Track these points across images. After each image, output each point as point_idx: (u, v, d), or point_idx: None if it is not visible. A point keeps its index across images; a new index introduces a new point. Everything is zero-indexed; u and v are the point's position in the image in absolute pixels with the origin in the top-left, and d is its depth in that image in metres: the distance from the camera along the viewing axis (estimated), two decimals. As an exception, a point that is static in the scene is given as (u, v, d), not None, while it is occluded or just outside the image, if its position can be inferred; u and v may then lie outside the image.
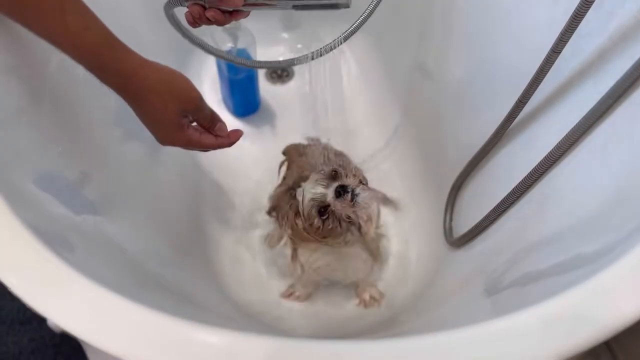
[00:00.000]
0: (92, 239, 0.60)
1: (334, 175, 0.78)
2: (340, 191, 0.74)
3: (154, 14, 1.16)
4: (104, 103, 0.80)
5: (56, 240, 0.48)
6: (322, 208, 0.75)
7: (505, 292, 0.57)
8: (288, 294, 1.00)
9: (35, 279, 0.44)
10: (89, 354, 1.20)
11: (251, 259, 1.04)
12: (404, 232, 1.08)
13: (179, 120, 0.62)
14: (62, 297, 0.43)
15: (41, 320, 1.27)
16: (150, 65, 0.59)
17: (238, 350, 0.39)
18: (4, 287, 1.27)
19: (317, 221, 0.76)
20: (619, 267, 0.40)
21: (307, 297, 1.00)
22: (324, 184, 0.76)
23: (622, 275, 0.39)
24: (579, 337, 0.37)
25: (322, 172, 0.79)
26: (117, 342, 0.40)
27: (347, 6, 0.70)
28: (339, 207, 0.75)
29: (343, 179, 0.77)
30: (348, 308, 0.99)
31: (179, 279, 0.76)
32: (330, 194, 0.75)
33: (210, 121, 0.67)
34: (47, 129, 0.64)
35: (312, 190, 0.76)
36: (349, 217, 0.76)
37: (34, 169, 0.58)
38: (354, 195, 0.74)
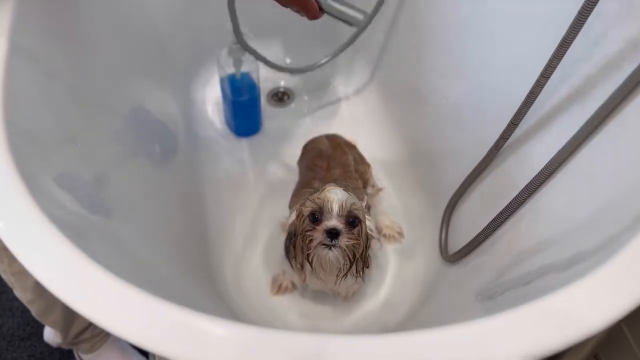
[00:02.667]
0: (104, 237, 0.62)
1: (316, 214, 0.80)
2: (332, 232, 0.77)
3: (163, 38, 1.21)
4: (113, 120, 0.83)
5: (71, 229, 0.50)
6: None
7: (498, 298, 0.59)
8: (276, 289, 1.02)
9: (50, 261, 0.46)
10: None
11: (253, 273, 1.06)
12: (401, 249, 1.09)
13: None
14: (74, 280, 0.45)
15: (40, 337, 1.27)
16: None
17: (257, 345, 0.41)
18: (5, 304, 1.27)
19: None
20: (602, 270, 0.43)
21: (294, 287, 1.02)
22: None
23: (604, 278, 0.42)
24: (562, 335, 0.40)
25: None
26: (126, 326, 0.42)
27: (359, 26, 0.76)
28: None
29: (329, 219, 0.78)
30: (346, 323, 1.01)
31: (183, 287, 0.78)
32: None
33: None
34: (67, 133, 0.67)
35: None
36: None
37: (55, 167, 0.61)
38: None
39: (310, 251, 0.80)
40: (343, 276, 0.82)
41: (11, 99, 0.59)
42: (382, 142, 1.27)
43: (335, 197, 0.78)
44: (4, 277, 0.93)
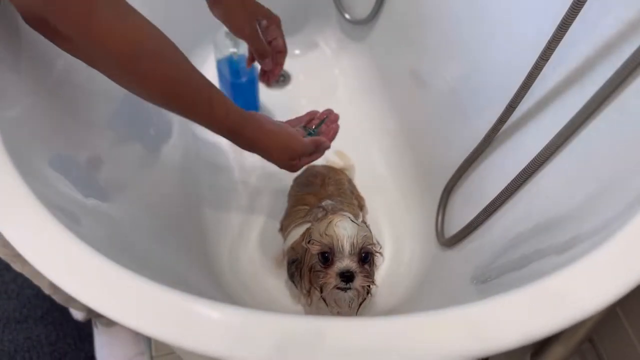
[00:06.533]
0: (98, 221, 0.62)
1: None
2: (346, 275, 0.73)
3: (156, 20, 1.19)
4: (107, 104, 0.82)
5: (65, 213, 0.50)
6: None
7: (493, 282, 0.60)
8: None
9: (43, 245, 0.46)
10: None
11: (248, 256, 1.06)
12: (398, 233, 1.09)
13: (289, 162, 0.83)
14: (68, 264, 0.45)
15: (37, 319, 1.27)
16: (264, 131, 0.79)
17: (248, 327, 0.41)
18: (0, 286, 1.26)
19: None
20: (597, 253, 0.43)
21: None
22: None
23: (599, 261, 0.42)
24: (557, 318, 0.40)
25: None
26: (122, 310, 0.42)
27: None
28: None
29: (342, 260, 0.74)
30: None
31: (179, 272, 0.78)
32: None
33: (315, 151, 0.86)
34: (59, 117, 0.67)
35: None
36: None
37: (47, 151, 0.61)
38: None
39: (323, 293, 0.76)
40: (358, 308, 0.78)
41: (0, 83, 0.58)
42: (379, 125, 1.27)
43: (345, 233, 0.73)
44: (25, 273, 0.93)
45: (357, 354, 0.40)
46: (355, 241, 0.72)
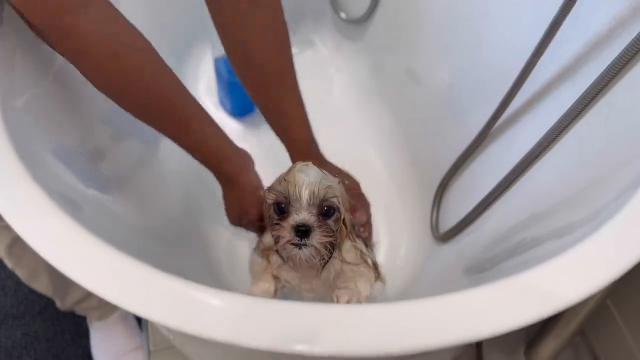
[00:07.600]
0: (99, 211, 0.62)
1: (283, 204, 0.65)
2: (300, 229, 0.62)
3: (153, 17, 1.19)
4: (104, 100, 0.83)
5: (67, 201, 0.50)
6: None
7: (487, 273, 0.61)
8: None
9: (47, 233, 0.46)
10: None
11: (246, 251, 1.06)
12: (393, 228, 1.10)
13: (236, 220, 0.80)
14: (70, 251, 0.45)
15: (34, 315, 1.27)
16: (246, 174, 0.76)
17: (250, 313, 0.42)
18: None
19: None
20: (585, 243, 0.44)
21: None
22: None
23: (587, 250, 0.43)
24: (545, 305, 0.41)
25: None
26: (123, 295, 0.43)
27: None
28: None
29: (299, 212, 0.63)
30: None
31: (176, 262, 0.79)
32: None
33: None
34: (61, 109, 0.67)
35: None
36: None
37: (50, 141, 0.61)
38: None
39: (277, 245, 0.66)
40: (322, 268, 0.68)
41: (4, 82, 0.58)
42: (375, 122, 1.27)
43: (306, 179, 0.62)
44: None
45: (356, 340, 0.41)
46: (316, 190, 0.62)
